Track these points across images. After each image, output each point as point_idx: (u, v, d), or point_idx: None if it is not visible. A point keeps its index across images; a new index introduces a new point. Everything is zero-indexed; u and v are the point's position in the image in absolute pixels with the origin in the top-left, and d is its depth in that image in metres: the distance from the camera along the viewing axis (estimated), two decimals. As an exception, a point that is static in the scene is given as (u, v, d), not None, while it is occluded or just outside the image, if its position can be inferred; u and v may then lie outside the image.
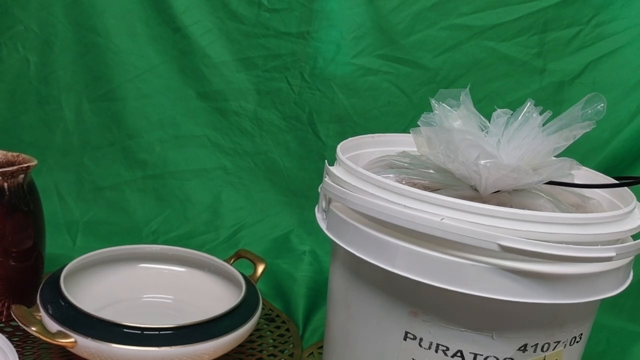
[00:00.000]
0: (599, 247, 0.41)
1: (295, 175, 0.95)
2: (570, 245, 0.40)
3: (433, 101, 0.51)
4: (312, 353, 0.70)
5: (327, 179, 0.51)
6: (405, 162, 0.53)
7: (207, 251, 0.77)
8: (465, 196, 0.46)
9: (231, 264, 0.74)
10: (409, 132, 0.54)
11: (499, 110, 0.50)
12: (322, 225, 0.52)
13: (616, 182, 0.51)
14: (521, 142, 0.49)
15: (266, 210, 0.95)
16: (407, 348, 0.47)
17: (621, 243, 0.43)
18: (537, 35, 0.84)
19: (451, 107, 0.51)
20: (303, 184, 0.94)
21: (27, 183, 0.68)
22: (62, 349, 0.61)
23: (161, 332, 0.57)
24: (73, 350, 0.58)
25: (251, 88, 0.94)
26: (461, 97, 0.51)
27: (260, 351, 0.69)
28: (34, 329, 0.57)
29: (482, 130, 0.51)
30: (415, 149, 0.54)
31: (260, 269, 0.74)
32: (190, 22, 0.92)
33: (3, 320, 0.69)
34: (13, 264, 0.68)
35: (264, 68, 0.93)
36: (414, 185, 0.50)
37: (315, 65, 0.90)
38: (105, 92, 0.95)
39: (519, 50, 0.85)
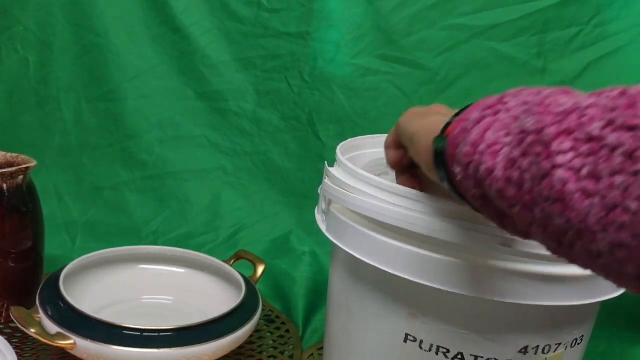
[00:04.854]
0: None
1: (295, 175, 0.94)
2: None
3: None
4: (312, 354, 0.70)
5: (326, 180, 0.51)
6: (406, 163, 0.53)
7: (206, 252, 0.77)
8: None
9: (231, 265, 0.74)
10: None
11: None
12: (322, 226, 0.52)
13: None
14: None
15: (266, 211, 0.95)
16: (407, 350, 0.46)
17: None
18: (537, 35, 0.84)
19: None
20: (303, 184, 0.94)
21: (26, 184, 0.68)
22: (62, 351, 0.60)
23: (161, 334, 0.57)
24: (72, 352, 0.58)
25: (250, 88, 0.94)
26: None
27: (260, 352, 0.69)
28: (33, 330, 0.57)
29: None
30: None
31: (260, 269, 0.74)
32: (189, 22, 0.92)
33: (2, 321, 0.69)
34: (12, 265, 0.68)
35: (263, 68, 0.92)
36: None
37: (314, 66, 0.90)
38: (105, 93, 0.95)
39: (519, 51, 0.85)
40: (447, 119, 0.37)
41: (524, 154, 0.29)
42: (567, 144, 0.27)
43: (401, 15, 0.86)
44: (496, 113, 0.33)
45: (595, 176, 0.26)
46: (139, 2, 0.92)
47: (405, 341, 0.46)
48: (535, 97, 0.31)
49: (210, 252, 0.78)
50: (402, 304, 0.46)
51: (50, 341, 0.56)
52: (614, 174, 0.25)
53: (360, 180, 0.47)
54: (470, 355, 0.45)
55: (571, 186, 0.26)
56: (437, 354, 0.45)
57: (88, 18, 0.93)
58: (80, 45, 0.94)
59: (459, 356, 0.45)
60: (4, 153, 0.72)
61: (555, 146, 0.27)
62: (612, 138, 0.25)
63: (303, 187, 0.93)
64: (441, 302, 0.44)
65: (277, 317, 0.76)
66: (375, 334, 0.49)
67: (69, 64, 0.95)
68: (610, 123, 0.26)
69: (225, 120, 0.95)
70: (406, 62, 0.87)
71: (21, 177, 0.67)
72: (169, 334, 0.58)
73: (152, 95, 0.95)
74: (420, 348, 0.46)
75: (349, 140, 0.57)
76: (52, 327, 0.58)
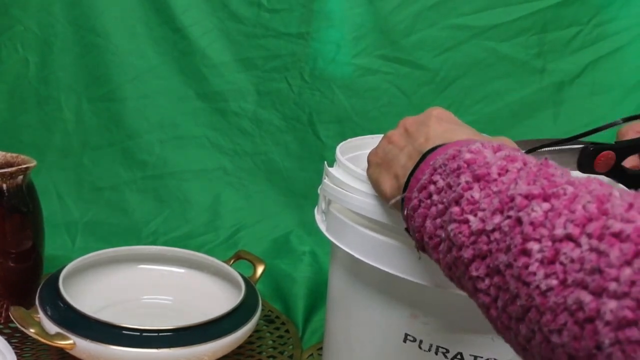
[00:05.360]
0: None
1: (295, 175, 0.94)
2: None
3: None
4: (312, 354, 0.70)
5: (326, 181, 0.50)
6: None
7: (206, 252, 0.77)
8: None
9: (230, 265, 0.74)
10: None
11: None
12: (322, 227, 0.52)
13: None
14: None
15: (266, 211, 0.95)
16: (407, 350, 0.46)
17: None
18: (537, 35, 0.84)
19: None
20: (303, 184, 0.94)
21: (26, 184, 0.68)
22: (61, 351, 0.60)
23: (160, 334, 0.57)
24: (72, 352, 0.58)
25: (251, 88, 0.94)
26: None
27: (260, 352, 0.69)
28: (32, 330, 0.57)
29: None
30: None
31: (260, 270, 0.74)
32: (190, 22, 0.92)
33: (2, 321, 0.69)
34: (12, 265, 0.68)
35: (263, 68, 0.92)
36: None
37: (315, 66, 0.90)
38: (105, 93, 0.95)
39: (519, 51, 0.85)
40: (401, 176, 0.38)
41: (455, 264, 0.31)
42: (482, 270, 0.28)
43: (401, 16, 0.86)
44: (429, 196, 0.34)
45: (507, 313, 0.27)
46: (140, 2, 0.92)
47: (404, 341, 0.46)
48: (456, 184, 0.31)
49: (210, 252, 0.78)
50: (401, 304, 0.46)
51: (50, 341, 0.56)
52: (518, 320, 0.26)
53: (360, 180, 0.47)
54: (470, 355, 0.45)
55: (493, 313, 0.28)
56: (436, 353, 0.45)
57: (88, 18, 0.93)
58: (81, 45, 0.94)
59: (459, 356, 0.45)
60: (3, 153, 0.72)
61: (473, 271, 0.29)
62: (512, 285, 0.26)
63: (303, 187, 0.93)
64: (441, 302, 0.44)
65: (277, 317, 0.76)
66: (374, 334, 0.49)
67: (69, 64, 0.95)
68: (509, 266, 0.26)
69: (225, 121, 0.95)
70: (406, 62, 0.87)
71: (21, 177, 0.67)
72: (168, 334, 0.58)
73: (153, 95, 0.95)
74: (420, 348, 0.46)
75: (349, 140, 0.57)
76: (52, 327, 0.58)
